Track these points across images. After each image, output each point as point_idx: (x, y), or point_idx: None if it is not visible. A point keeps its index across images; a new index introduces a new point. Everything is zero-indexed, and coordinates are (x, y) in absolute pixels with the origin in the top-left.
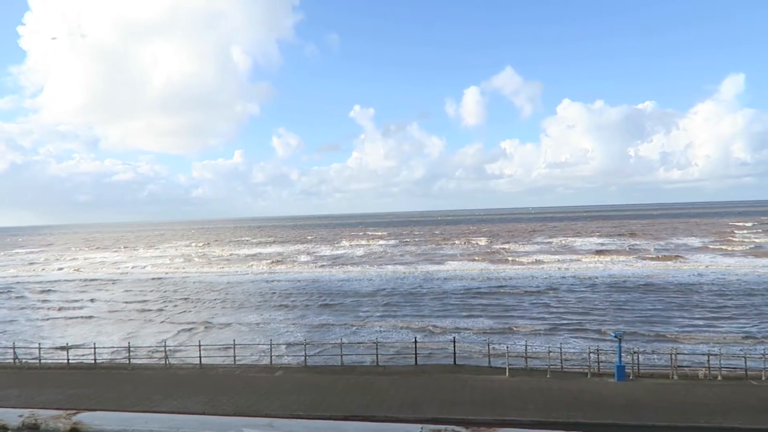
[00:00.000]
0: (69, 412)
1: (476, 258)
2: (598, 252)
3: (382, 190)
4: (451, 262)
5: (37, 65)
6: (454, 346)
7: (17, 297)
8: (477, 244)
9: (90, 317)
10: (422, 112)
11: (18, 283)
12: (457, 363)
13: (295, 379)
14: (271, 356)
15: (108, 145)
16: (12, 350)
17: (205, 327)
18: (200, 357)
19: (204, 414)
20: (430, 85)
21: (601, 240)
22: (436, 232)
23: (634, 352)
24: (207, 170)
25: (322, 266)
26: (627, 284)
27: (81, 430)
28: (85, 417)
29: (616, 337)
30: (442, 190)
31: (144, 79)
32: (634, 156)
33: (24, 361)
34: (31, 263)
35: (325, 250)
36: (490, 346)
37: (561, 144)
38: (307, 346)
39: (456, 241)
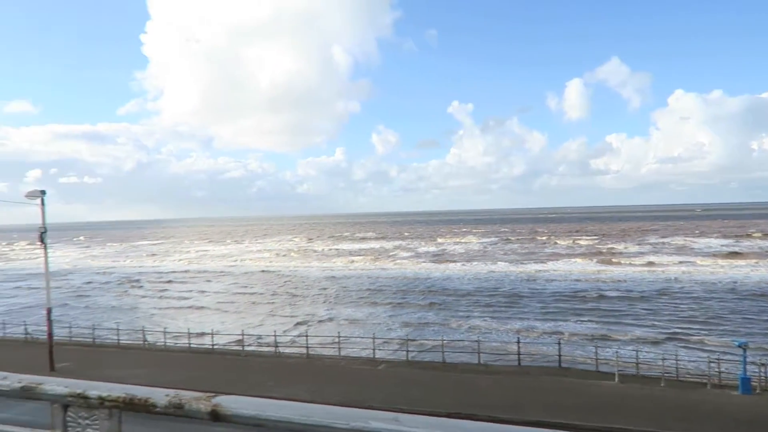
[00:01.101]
0: (208, 394)
1: (582, 258)
2: (721, 254)
3: (481, 186)
4: (554, 262)
5: (158, 70)
6: (559, 349)
7: (140, 286)
8: (583, 243)
9: (202, 307)
10: (522, 106)
11: (141, 273)
12: (562, 366)
13: (397, 373)
14: (374, 350)
15: (221, 144)
16: (141, 333)
17: (311, 319)
18: (307, 347)
19: (312, 402)
20: (531, 79)
21: (723, 241)
22: (539, 229)
23: (762, 364)
24: (311, 167)
25: (422, 263)
26: (755, 291)
27: (220, 412)
28: (222, 400)
29: (739, 346)
30: (543, 186)
31: (252, 80)
32: (757, 149)
33: (151, 343)
34: (153, 254)
35: (425, 247)
36: (598, 351)
37: (673, 138)
38: (408, 342)
39: (559, 240)
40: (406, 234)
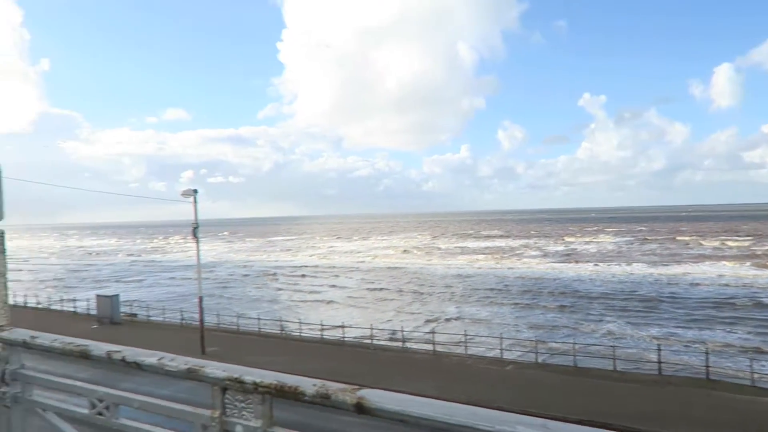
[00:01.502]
0: (353, 387)
1: (733, 261)
2: None
3: (615, 182)
4: (699, 265)
5: (293, 76)
6: (707, 359)
7: (276, 279)
8: (733, 244)
9: (331, 301)
10: (661, 96)
11: (277, 267)
12: (710, 378)
13: (525, 375)
14: (501, 350)
15: (350, 144)
16: (279, 323)
17: (437, 317)
18: (434, 344)
19: (438, 398)
20: (671, 67)
21: None
22: (681, 229)
23: None
24: (436, 165)
25: (550, 263)
26: None
27: (365, 405)
28: (367, 393)
29: None
30: (686, 182)
31: (379, 81)
32: None
33: (288, 333)
34: (287, 249)
35: (553, 246)
36: (753, 364)
37: None
38: (537, 343)
39: (705, 241)
40: (533, 232)
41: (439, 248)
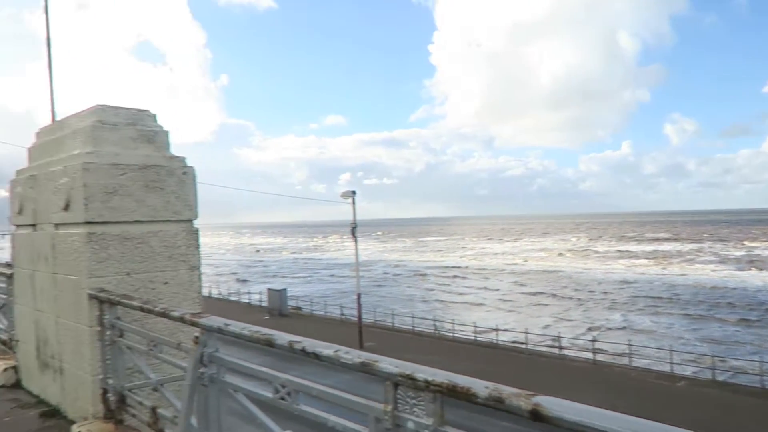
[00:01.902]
0: (528, 393)
1: None
2: None
3: None
4: None
5: (444, 77)
6: None
7: (427, 280)
8: None
9: (481, 304)
10: None
11: (427, 267)
12: None
13: (700, 393)
14: (671, 364)
15: (501, 144)
16: (432, 322)
17: (596, 325)
18: (593, 353)
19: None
20: None
21: None
22: None
23: None
24: (593, 163)
25: (729, 270)
26: None
27: (541, 412)
28: (542, 400)
29: None
30: None
31: (531, 77)
32: None
33: (441, 333)
34: (438, 250)
35: (731, 251)
36: None
37: None
38: (715, 360)
39: None
40: (706, 235)
41: (597, 251)
